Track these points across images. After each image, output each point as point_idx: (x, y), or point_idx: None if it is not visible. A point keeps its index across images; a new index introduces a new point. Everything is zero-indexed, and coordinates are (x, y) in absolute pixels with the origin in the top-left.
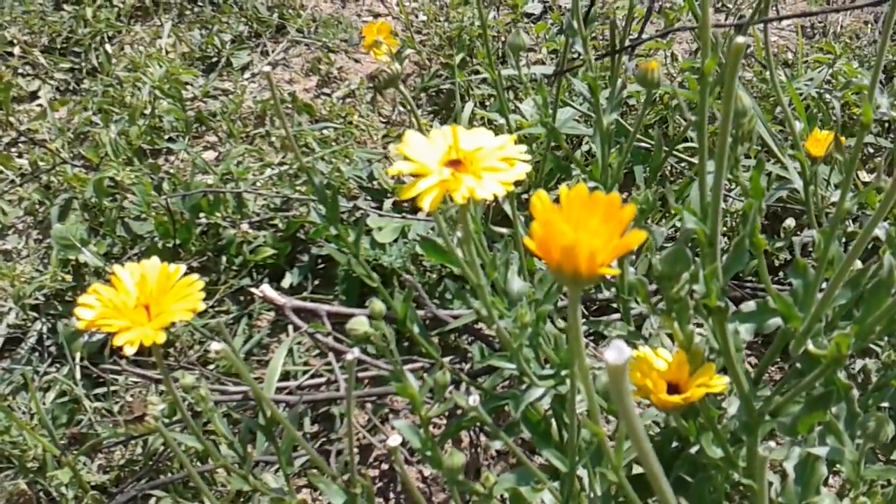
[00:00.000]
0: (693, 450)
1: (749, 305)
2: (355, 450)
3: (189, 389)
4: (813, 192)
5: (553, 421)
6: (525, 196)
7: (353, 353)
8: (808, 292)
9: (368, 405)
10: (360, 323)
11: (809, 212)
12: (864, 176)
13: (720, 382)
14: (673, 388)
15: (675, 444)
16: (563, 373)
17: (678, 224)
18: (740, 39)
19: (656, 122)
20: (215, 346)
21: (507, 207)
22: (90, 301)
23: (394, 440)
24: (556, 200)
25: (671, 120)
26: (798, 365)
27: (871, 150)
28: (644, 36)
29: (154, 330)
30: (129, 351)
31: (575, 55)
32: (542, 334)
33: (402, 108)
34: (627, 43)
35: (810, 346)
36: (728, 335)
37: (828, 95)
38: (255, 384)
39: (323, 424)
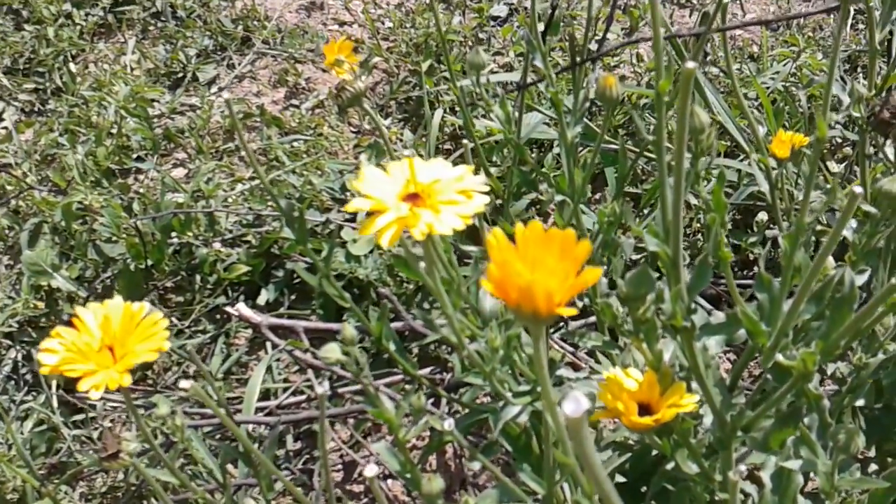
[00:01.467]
0: (669, 465)
1: (718, 317)
2: (337, 467)
3: (164, 419)
4: (779, 194)
5: (534, 434)
6: (499, 202)
7: (323, 387)
8: (774, 306)
9: (350, 420)
10: (331, 350)
11: (776, 213)
12: (834, 167)
13: (691, 401)
14: (644, 409)
15: (654, 452)
16: (539, 389)
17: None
18: (690, 65)
19: (625, 121)
20: (184, 384)
21: (475, 222)
22: (53, 346)
23: (370, 470)
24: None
25: (641, 119)
26: (769, 376)
27: (839, 140)
28: (608, 38)
29: (119, 373)
30: (95, 395)
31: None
32: (516, 351)
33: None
34: (590, 48)
35: (779, 358)
36: (697, 353)
37: (794, 89)
38: (227, 417)
39: (305, 441)
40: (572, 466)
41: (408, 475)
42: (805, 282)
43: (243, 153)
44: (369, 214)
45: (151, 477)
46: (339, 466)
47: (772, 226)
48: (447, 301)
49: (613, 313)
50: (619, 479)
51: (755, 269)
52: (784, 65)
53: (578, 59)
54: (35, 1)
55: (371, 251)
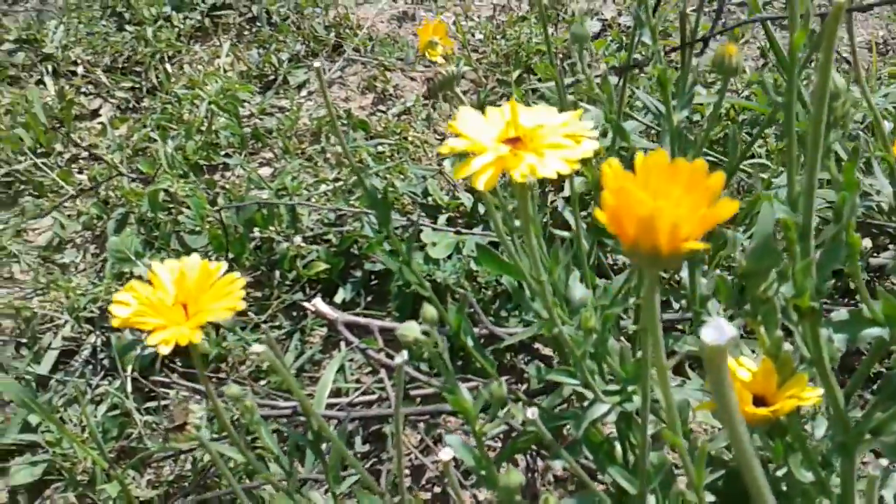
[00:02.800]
0: (780, 472)
1: (841, 314)
2: (406, 471)
3: (235, 400)
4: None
5: (617, 444)
6: (587, 196)
7: (402, 357)
8: None
9: (421, 425)
10: (410, 329)
11: None
12: None
13: (814, 394)
14: (759, 401)
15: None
16: (630, 388)
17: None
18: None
19: (721, 138)
20: (256, 347)
21: (567, 214)
22: (126, 299)
23: (445, 453)
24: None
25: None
26: None
27: None
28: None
29: (191, 329)
30: (164, 350)
31: (640, 56)
32: (608, 342)
33: None
34: (699, 36)
35: None
36: (822, 342)
37: None
38: (301, 392)
39: (374, 445)
40: (680, 445)
41: (483, 472)
42: None
43: (328, 155)
44: (462, 158)
45: (216, 453)
46: (408, 472)
47: (875, 254)
48: (541, 267)
49: (730, 292)
50: (709, 497)
51: (855, 298)
52: (894, 87)
53: (689, 39)
54: (137, 3)
55: (450, 255)
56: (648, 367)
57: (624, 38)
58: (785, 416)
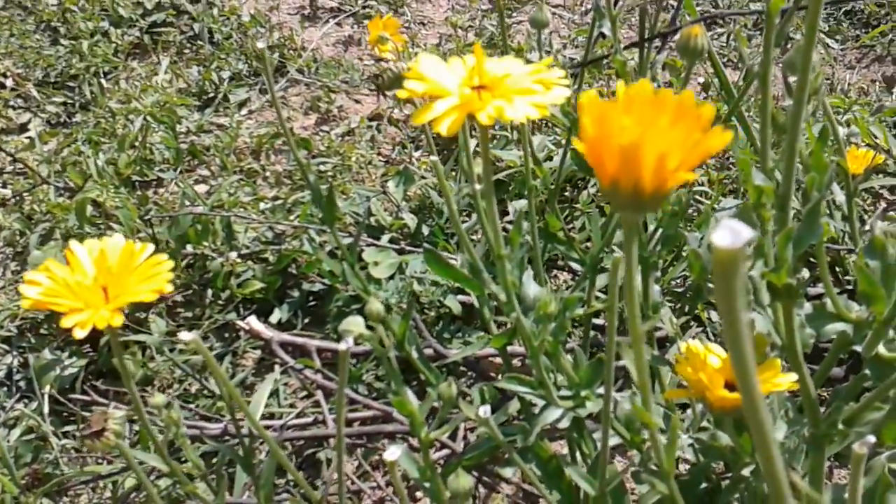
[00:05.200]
0: (746, 471)
1: (805, 308)
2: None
3: (159, 409)
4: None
5: (566, 459)
6: (543, 199)
7: (347, 343)
8: (889, 274)
9: (358, 451)
10: (354, 323)
11: (852, 224)
12: None
13: (788, 380)
14: (730, 388)
15: (704, 485)
16: (584, 393)
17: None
18: None
19: None
20: (185, 335)
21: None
22: (39, 279)
23: (391, 454)
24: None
25: None
26: (868, 371)
27: (885, 204)
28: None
29: (110, 311)
30: (80, 334)
31: (601, 51)
32: (566, 328)
33: (402, 148)
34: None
35: (883, 351)
36: (795, 327)
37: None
38: (235, 391)
39: (308, 472)
40: (653, 426)
41: (427, 483)
42: None
43: (267, 173)
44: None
45: (135, 462)
46: (348, 496)
47: (813, 284)
48: (502, 242)
49: (701, 266)
50: None
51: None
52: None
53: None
54: (74, 17)
55: (392, 276)
56: (613, 347)
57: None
58: None
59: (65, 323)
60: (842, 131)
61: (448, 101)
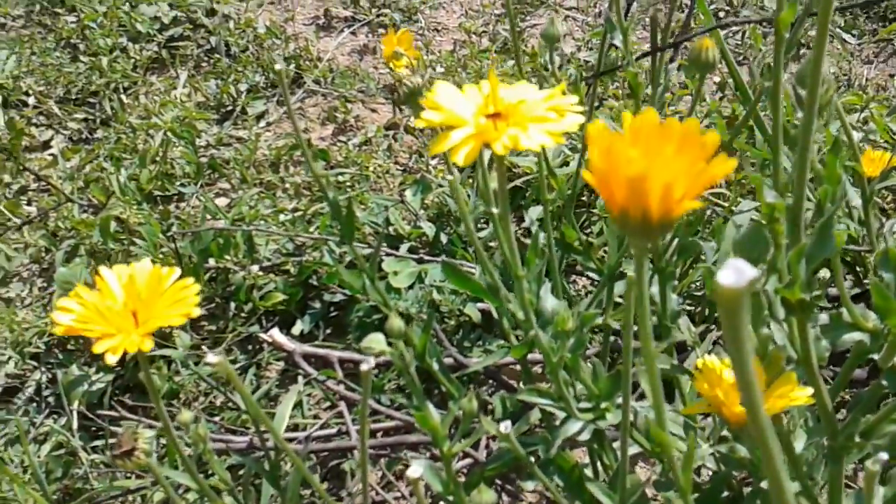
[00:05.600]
0: (763, 483)
1: (822, 318)
2: None
3: (187, 426)
4: (872, 211)
5: (588, 469)
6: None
7: (369, 363)
8: None
9: (382, 461)
10: (376, 341)
11: (869, 229)
12: None
13: (804, 394)
14: None
15: (726, 493)
16: (603, 405)
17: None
18: None
19: None
20: (212, 357)
21: (535, 230)
22: (70, 305)
23: (414, 471)
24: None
25: None
26: (884, 382)
27: None
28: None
29: (140, 336)
30: (111, 359)
31: (613, 63)
32: (584, 345)
33: (419, 156)
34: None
35: None
36: (810, 341)
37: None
38: (258, 408)
39: (333, 483)
40: (667, 443)
41: (451, 497)
42: None
43: (287, 185)
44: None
45: (164, 478)
46: None
47: (832, 284)
48: (518, 261)
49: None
50: None
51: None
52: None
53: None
54: (92, 34)
55: (412, 285)
56: (629, 364)
57: (584, 73)
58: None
59: (97, 349)
60: (857, 135)
61: (464, 130)
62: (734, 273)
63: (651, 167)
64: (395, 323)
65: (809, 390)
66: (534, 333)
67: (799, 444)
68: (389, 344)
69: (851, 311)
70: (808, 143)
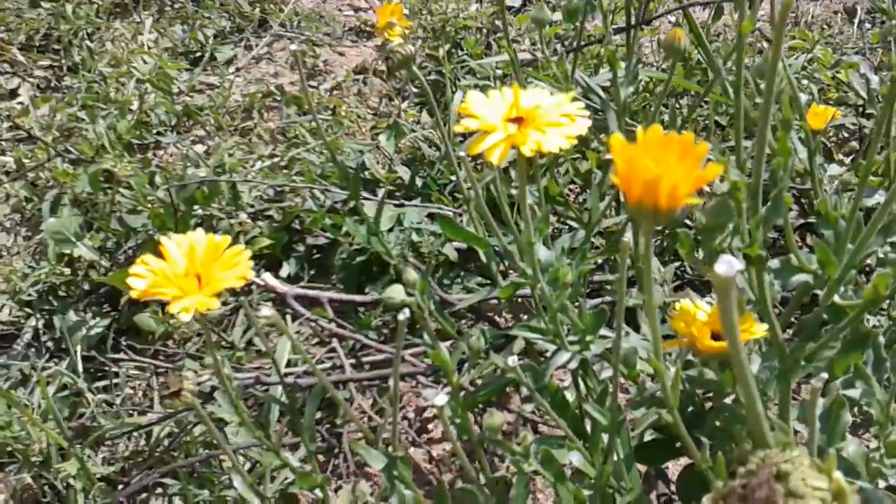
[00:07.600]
0: (728, 399)
1: (773, 263)
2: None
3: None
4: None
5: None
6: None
7: (404, 314)
8: (839, 241)
9: (375, 389)
10: (396, 292)
11: (814, 181)
12: (843, 159)
13: (761, 329)
14: (716, 337)
15: (690, 408)
16: (588, 338)
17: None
18: None
19: (639, 109)
20: (265, 311)
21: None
22: (141, 271)
23: (440, 399)
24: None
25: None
26: (825, 316)
27: (846, 135)
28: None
29: (207, 297)
30: (185, 318)
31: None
32: (581, 294)
33: (388, 100)
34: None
35: (837, 299)
36: (765, 287)
37: (804, 81)
38: (307, 354)
39: (327, 411)
40: (661, 371)
41: (458, 420)
42: (878, 214)
43: (261, 131)
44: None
45: (207, 417)
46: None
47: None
48: (532, 228)
49: (690, 245)
50: (655, 435)
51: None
52: (795, 58)
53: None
54: None
55: (392, 228)
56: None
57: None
58: None
59: (172, 309)
60: (803, 97)
61: (496, 135)
62: (726, 265)
63: (662, 172)
64: (411, 275)
65: (765, 326)
66: (540, 287)
67: (754, 367)
68: (409, 294)
69: (798, 257)
70: (765, 130)
